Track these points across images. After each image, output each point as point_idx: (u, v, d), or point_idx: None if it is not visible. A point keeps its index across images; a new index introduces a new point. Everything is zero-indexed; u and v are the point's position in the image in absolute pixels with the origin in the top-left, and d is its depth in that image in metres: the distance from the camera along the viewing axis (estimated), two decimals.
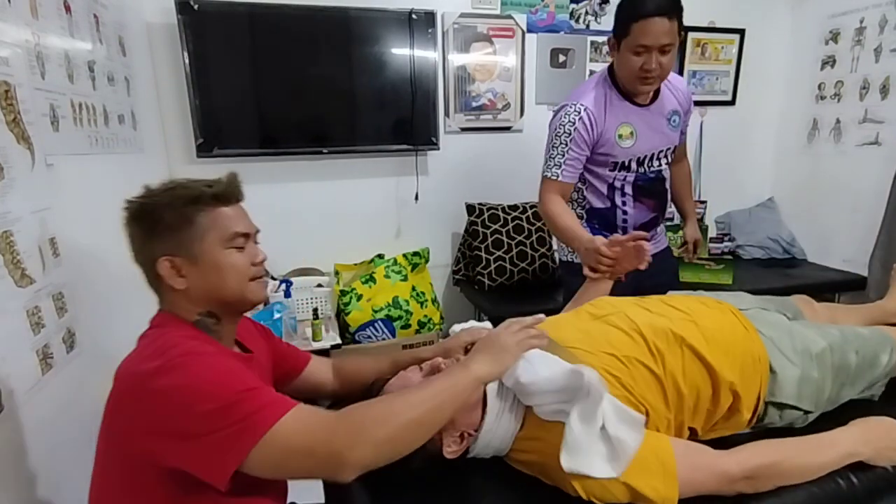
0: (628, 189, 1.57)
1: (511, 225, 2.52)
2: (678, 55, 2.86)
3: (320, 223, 2.51)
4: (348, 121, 2.39)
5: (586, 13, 2.68)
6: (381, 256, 2.52)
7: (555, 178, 1.49)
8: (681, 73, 2.78)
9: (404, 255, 2.42)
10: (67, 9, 1.39)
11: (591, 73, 2.68)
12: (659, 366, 0.97)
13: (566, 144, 1.47)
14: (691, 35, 2.85)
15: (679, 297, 1.19)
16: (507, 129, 2.69)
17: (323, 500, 1.09)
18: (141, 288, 0.85)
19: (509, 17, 2.56)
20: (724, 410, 1.00)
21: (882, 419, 1.00)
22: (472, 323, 1.21)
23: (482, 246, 2.48)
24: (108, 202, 1.00)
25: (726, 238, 3.10)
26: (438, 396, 0.77)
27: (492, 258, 2.47)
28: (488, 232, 2.49)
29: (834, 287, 2.67)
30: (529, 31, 2.60)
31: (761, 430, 1.05)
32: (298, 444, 0.68)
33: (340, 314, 2.29)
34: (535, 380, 0.87)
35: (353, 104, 2.36)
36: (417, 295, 2.39)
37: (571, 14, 2.66)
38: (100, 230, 1.25)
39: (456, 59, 2.52)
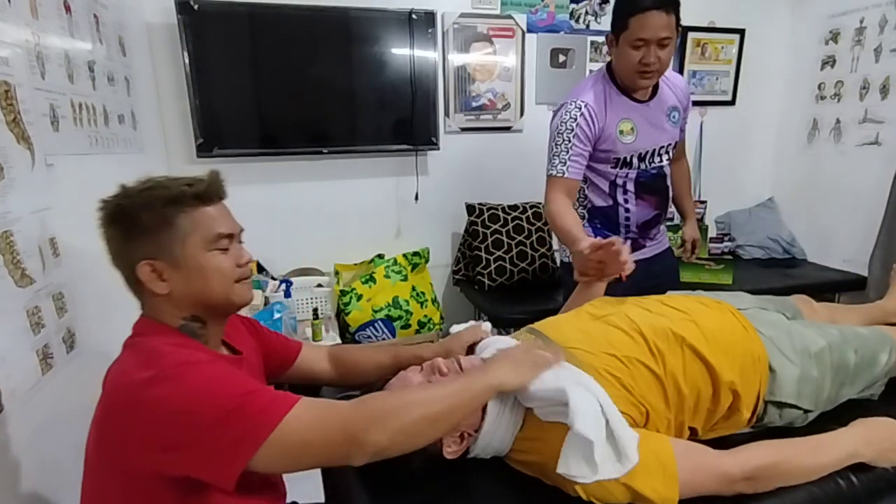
0: (630, 186, 1.57)
1: (511, 225, 2.52)
2: (678, 55, 2.86)
3: (320, 223, 2.51)
4: (348, 121, 2.38)
5: (586, 13, 2.68)
6: (381, 256, 2.52)
7: (560, 175, 1.46)
8: (681, 72, 2.77)
9: (404, 255, 2.42)
10: (67, 9, 1.38)
11: (591, 73, 2.68)
12: (659, 366, 0.97)
13: (569, 141, 1.46)
14: (691, 35, 2.85)
15: (678, 297, 1.19)
16: (507, 129, 2.69)
17: (323, 500, 1.09)
18: None
19: (509, 17, 2.56)
20: (724, 410, 1.00)
21: (883, 420, 1.00)
22: (472, 323, 1.21)
23: (482, 246, 2.48)
24: None
25: (726, 238, 3.10)
26: (455, 396, 0.79)
27: (492, 258, 2.47)
28: (488, 232, 2.49)
29: (834, 287, 2.67)
30: (529, 31, 2.60)
31: (761, 430, 1.05)
32: (310, 434, 0.69)
33: (340, 314, 2.29)
34: (542, 387, 0.87)
35: (353, 104, 2.36)
36: (417, 295, 2.39)
37: (571, 14, 2.66)
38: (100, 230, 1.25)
39: (456, 59, 2.52)
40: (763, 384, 1.02)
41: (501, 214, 2.53)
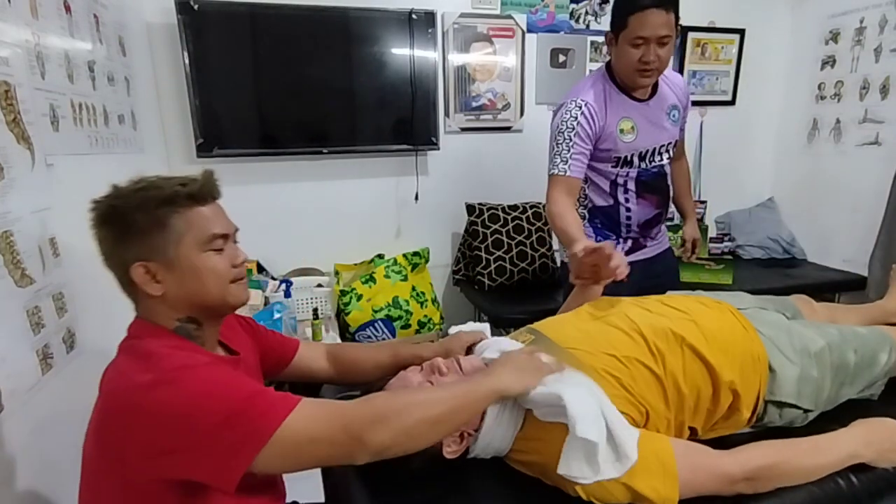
0: (631, 185, 1.57)
1: (511, 225, 2.52)
2: (678, 55, 2.86)
3: (320, 223, 2.51)
4: (348, 121, 2.38)
5: (586, 13, 2.68)
6: (381, 256, 2.52)
7: (563, 173, 1.45)
8: (681, 72, 2.77)
9: (404, 255, 2.42)
10: (67, 9, 1.39)
11: (591, 72, 2.68)
12: (659, 366, 0.97)
13: (570, 139, 1.45)
14: (691, 35, 2.85)
15: (678, 297, 1.19)
16: (507, 129, 2.69)
17: (323, 500, 1.09)
18: None
19: (509, 17, 2.56)
20: (724, 410, 1.00)
21: (884, 421, 1.00)
22: (471, 324, 1.21)
23: (482, 246, 2.48)
24: None
25: (726, 238, 3.10)
26: (458, 399, 0.79)
27: (492, 258, 2.47)
28: (488, 232, 2.49)
29: (834, 287, 2.67)
30: (529, 31, 2.60)
31: (761, 430, 1.05)
32: (312, 435, 0.69)
33: (340, 314, 2.29)
34: (540, 391, 0.87)
35: (353, 104, 2.36)
36: (417, 295, 2.39)
37: (571, 14, 2.66)
38: None
39: (456, 59, 2.52)
40: (763, 384, 1.02)
41: (501, 214, 2.53)
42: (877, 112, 2.60)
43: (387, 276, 2.34)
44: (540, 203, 2.60)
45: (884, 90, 2.56)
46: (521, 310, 2.21)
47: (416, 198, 2.59)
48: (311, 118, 2.31)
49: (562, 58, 2.68)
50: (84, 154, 1.41)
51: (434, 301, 2.48)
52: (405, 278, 2.38)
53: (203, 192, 0.79)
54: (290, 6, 2.19)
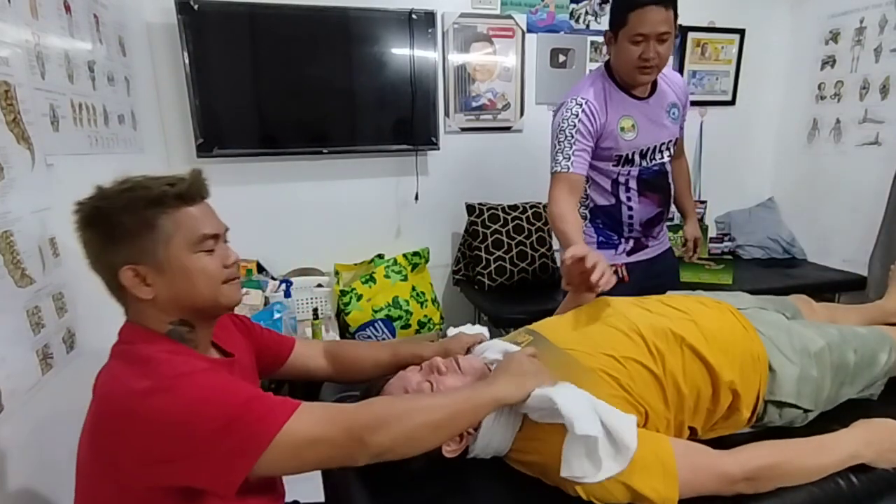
0: (633, 184, 1.57)
1: (511, 225, 2.52)
2: (678, 55, 2.86)
3: (320, 223, 2.51)
4: (348, 121, 2.38)
5: (586, 13, 2.68)
6: (381, 256, 2.52)
7: (565, 170, 1.44)
8: (681, 72, 2.77)
9: (404, 255, 2.42)
10: (67, 9, 1.39)
11: (590, 72, 2.68)
12: (658, 366, 0.97)
13: (572, 136, 1.44)
14: (691, 35, 2.85)
15: (678, 297, 1.19)
16: (507, 129, 2.69)
17: (323, 500, 1.09)
18: None
19: (509, 17, 2.56)
20: (723, 409, 1.00)
21: (884, 421, 1.00)
22: (468, 327, 1.21)
23: (482, 246, 2.48)
24: None
25: (726, 238, 3.10)
26: (458, 405, 0.80)
27: (492, 258, 2.47)
28: (488, 232, 2.49)
29: (834, 287, 2.67)
30: (529, 31, 2.60)
31: (761, 430, 1.05)
32: (314, 437, 0.69)
33: (340, 314, 2.29)
34: (533, 395, 0.87)
35: (353, 104, 2.36)
36: (417, 295, 2.39)
37: (571, 14, 2.66)
38: None
39: (456, 59, 2.52)
40: (763, 384, 1.02)
41: (501, 214, 2.53)
42: (877, 112, 2.60)
43: (387, 276, 2.34)
44: (540, 203, 2.60)
45: (884, 90, 2.56)
46: (521, 310, 2.21)
47: (416, 198, 2.59)
48: (311, 118, 2.31)
49: (562, 58, 2.68)
50: (84, 154, 1.41)
51: (434, 301, 2.48)
52: (405, 278, 2.38)
53: (192, 191, 0.77)
54: (290, 6, 2.19)
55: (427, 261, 2.48)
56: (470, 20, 2.50)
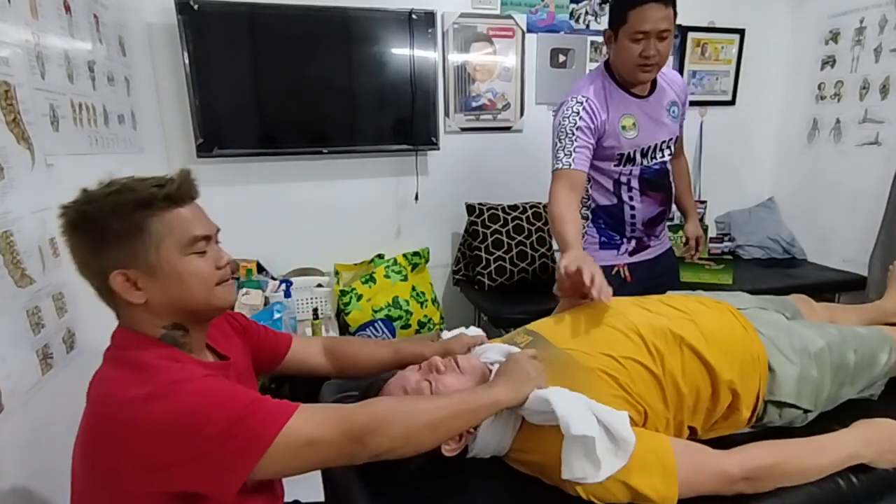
0: (634, 183, 1.57)
1: (511, 225, 2.52)
2: (678, 55, 2.86)
3: (320, 223, 2.51)
4: (348, 121, 2.39)
5: (586, 13, 2.68)
6: (381, 256, 2.52)
7: (567, 167, 1.43)
8: (681, 72, 2.77)
9: (404, 255, 2.42)
10: (67, 9, 1.39)
11: (590, 71, 2.68)
12: (658, 366, 0.97)
13: (573, 133, 1.44)
14: (691, 35, 2.85)
15: (678, 297, 1.19)
16: (507, 129, 2.69)
17: (323, 500, 1.09)
18: None
19: (509, 17, 2.56)
20: (723, 409, 1.00)
21: (884, 421, 1.00)
22: (463, 329, 1.21)
23: (482, 246, 2.48)
24: None
25: (726, 238, 3.10)
26: (457, 407, 0.80)
27: (492, 258, 2.47)
28: (488, 232, 2.49)
29: (834, 287, 2.67)
30: (529, 31, 2.60)
31: (761, 430, 1.05)
32: (313, 438, 0.69)
33: (340, 314, 2.29)
34: (532, 396, 0.87)
35: (353, 104, 2.36)
36: (417, 295, 2.39)
37: (571, 14, 2.66)
38: None
39: (456, 59, 2.52)
40: (762, 384, 1.02)
41: (501, 214, 2.53)
42: (877, 112, 2.60)
43: (387, 276, 2.34)
44: (540, 203, 2.60)
45: (884, 90, 2.56)
46: (521, 310, 2.21)
47: (416, 198, 2.59)
48: (310, 118, 2.31)
49: (562, 58, 2.68)
50: (84, 154, 1.41)
51: (434, 301, 2.48)
52: (405, 278, 2.38)
53: (181, 192, 0.75)
54: (290, 6, 2.19)
55: (427, 261, 2.48)
56: (470, 20, 2.50)
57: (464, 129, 2.62)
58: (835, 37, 2.77)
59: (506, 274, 2.48)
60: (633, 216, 1.60)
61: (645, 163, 1.56)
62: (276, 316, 1.94)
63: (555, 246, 2.55)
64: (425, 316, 2.39)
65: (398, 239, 2.65)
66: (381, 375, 1.02)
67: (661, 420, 0.95)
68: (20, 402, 1.01)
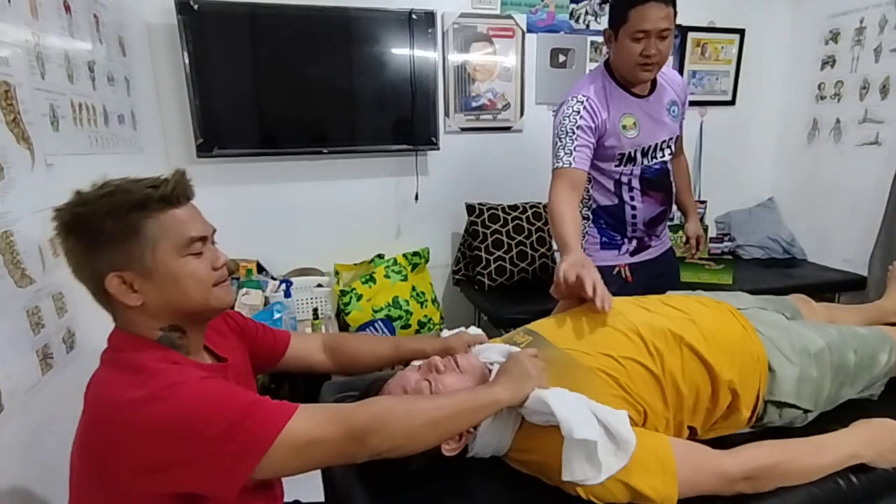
0: (635, 183, 1.57)
1: (511, 225, 2.52)
2: (678, 55, 2.86)
3: (320, 223, 2.51)
4: (348, 121, 2.39)
5: (586, 13, 2.68)
6: (381, 256, 2.52)
7: (567, 165, 1.43)
8: (681, 72, 2.77)
9: (404, 255, 2.42)
10: (67, 9, 1.39)
11: (590, 71, 2.68)
12: (657, 366, 0.97)
13: (573, 132, 1.44)
14: (691, 35, 2.85)
15: (677, 297, 1.19)
16: (507, 129, 2.69)
17: (323, 500, 1.09)
18: None
19: (509, 17, 2.56)
20: (723, 409, 1.00)
21: (884, 421, 1.00)
22: (460, 330, 1.21)
23: (482, 246, 2.48)
24: None
25: (726, 238, 3.10)
26: (458, 406, 0.80)
27: (492, 258, 2.47)
28: (488, 232, 2.49)
29: (834, 287, 2.67)
30: (529, 31, 2.60)
31: (761, 430, 1.05)
32: (314, 437, 0.69)
33: (340, 314, 2.29)
34: (533, 397, 0.87)
35: (353, 104, 2.36)
36: (417, 295, 2.39)
37: (571, 14, 2.66)
38: None
39: (456, 59, 2.52)
40: (762, 384, 1.02)
41: (501, 214, 2.53)
42: (877, 112, 2.60)
43: (387, 276, 2.34)
44: (540, 203, 2.60)
45: (884, 90, 2.56)
46: (522, 310, 2.21)
47: (416, 198, 2.59)
48: (310, 118, 2.31)
49: (562, 58, 2.68)
50: (84, 154, 1.42)
51: (434, 301, 2.48)
52: (405, 278, 2.38)
53: (176, 193, 0.74)
54: (290, 6, 2.19)
55: (427, 261, 2.48)
56: (470, 20, 2.50)
57: (464, 129, 2.62)
58: (835, 37, 2.77)
59: (506, 274, 2.48)
60: (634, 216, 1.60)
61: (645, 162, 1.56)
62: (276, 316, 1.94)
63: (555, 246, 2.55)
64: (425, 316, 2.39)
65: (398, 239, 2.65)
66: (381, 375, 1.02)
67: (661, 420, 0.95)
68: (20, 402, 1.01)
